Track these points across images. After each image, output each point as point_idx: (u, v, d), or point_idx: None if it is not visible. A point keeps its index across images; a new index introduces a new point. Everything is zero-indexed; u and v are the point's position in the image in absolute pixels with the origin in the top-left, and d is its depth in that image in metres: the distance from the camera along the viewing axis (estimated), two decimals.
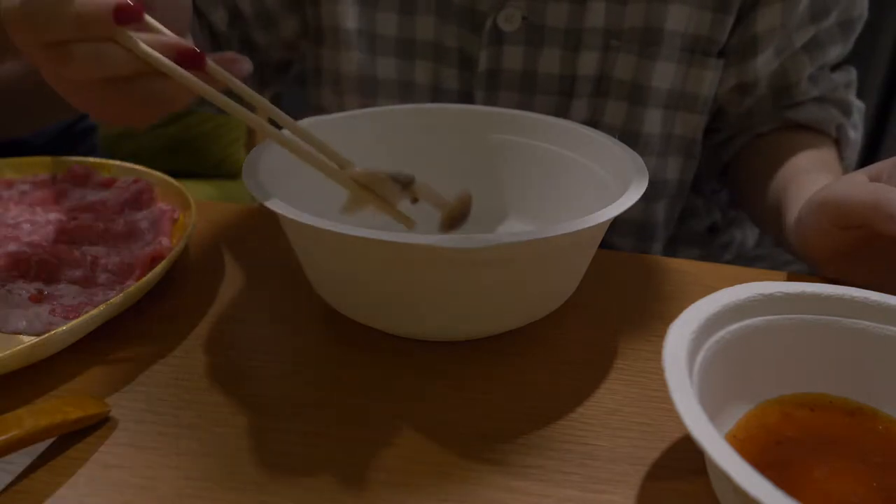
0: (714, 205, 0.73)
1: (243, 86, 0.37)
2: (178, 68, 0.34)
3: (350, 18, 0.61)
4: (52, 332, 0.35)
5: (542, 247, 0.34)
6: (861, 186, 0.40)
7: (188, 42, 0.35)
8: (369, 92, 0.63)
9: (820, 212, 0.43)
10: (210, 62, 0.36)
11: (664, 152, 0.62)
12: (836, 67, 0.64)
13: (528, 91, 0.60)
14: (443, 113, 0.49)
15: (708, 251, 0.72)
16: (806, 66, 0.61)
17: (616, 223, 0.63)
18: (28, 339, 0.37)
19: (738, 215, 0.74)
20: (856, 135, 0.63)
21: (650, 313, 0.43)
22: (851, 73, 0.65)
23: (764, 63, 0.60)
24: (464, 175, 0.50)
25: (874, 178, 0.42)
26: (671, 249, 0.70)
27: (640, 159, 0.41)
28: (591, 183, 0.44)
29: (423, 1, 0.59)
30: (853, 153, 0.64)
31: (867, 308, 0.33)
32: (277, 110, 0.38)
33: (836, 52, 0.61)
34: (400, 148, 0.49)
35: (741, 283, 0.33)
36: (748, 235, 0.74)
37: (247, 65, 0.38)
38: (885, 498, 0.28)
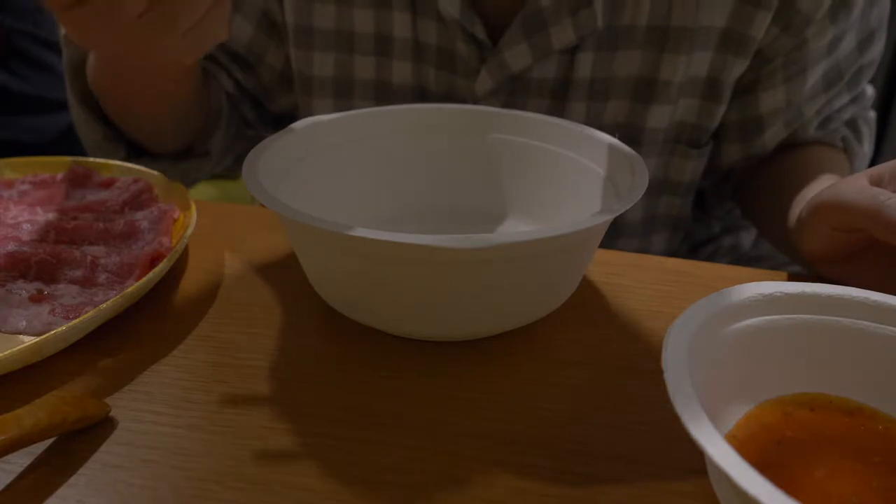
0: (715, 220, 0.72)
1: None
2: None
3: (325, 110, 0.61)
4: (52, 332, 0.35)
5: (542, 247, 0.34)
6: (862, 191, 0.40)
7: None
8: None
9: (819, 214, 0.42)
10: None
11: (648, 232, 0.62)
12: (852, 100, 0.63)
13: None
14: (442, 113, 0.49)
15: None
16: (813, 121, 0.60)
17: None
18: (28, 339, 0.37)
19: (735, 223, 0.73)
20: (861, 148, 0.62)
21: (650, 313, 0.43)
22: (864, 96, 0.63)
23: (772, 136, 0.59)
24: (464, 175, 0.50)
25: (875, 181, 0.41)
26: None
27: (640, 160, 0.40)
28: (591, 183, 0.44)
29: (399, 91, 0.59)
30: (860, 165, 0.63)
31: (867, 308, 0.32)
32: None
33: (842, 101, 0.61)
34: (400, 148, 0.49)
35: (741, 283, 0.32)
36: (742, 239, 0.74)
37: None
38: (885, 498, 0.28)
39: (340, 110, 0.61)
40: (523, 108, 0.57)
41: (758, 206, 0.62)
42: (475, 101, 0.57)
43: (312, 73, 0.60)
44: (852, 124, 0.62)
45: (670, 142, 0.58)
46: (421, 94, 0.60)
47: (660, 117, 0.56)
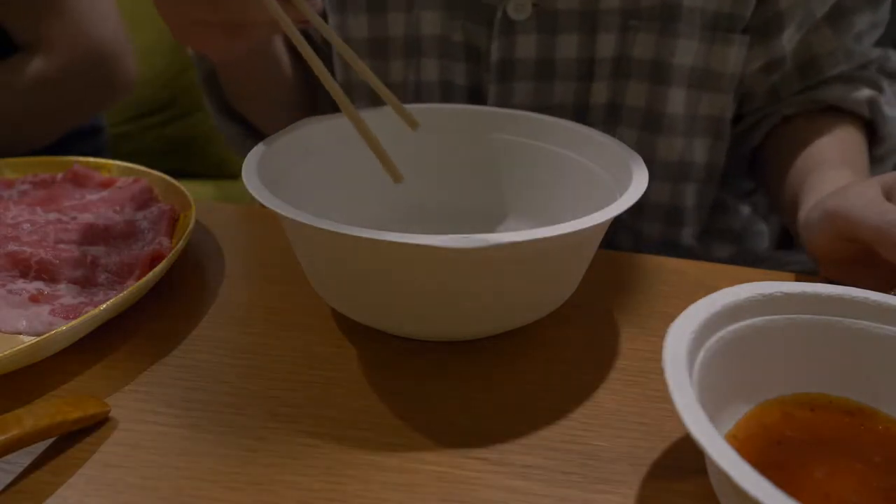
0: (742, 206, 0.71)
1: (320, 19, 0.41)
2: None
3: (359, 28, 0.60)
4: (52, 332, 0.35)
5: (542, 247, 0.34)
6: (871, 206, 0.39)
7: None
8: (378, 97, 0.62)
9: (827, 221, 0.42)
10: None
11: (690, 133, 0.60)
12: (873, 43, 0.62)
13: (545, 79, 0.58)
14: (443, 113, 0.49)
15: (741, 249, 0.70)
16: (829, 38, 0.59)
17: (643, 208, 0.61)
18: (28, 339, 0.37)
19: (754, 226, 0.72)
20: (893, 111, 0.61)
21: (650, 313, 0.43)
22: (891, 59, 0.62)
23: (788, 39, 0.58)
24: (464, 175, 0.50)
25: (886, 192, 0.41)
26: (705, 245, 0.67)
27: (640, 159, 0.41)
28: (591, 183, 0.44)
29: None
30: (892, 130, 0.61)
31: (867, 308, 0.33)
32: (349, 50, 0.43)
33: (864, 20, 0.59)
34: (400, 148, 0.49)
35: (741, 283, 0.33)
36: (764, 240, 0.73)
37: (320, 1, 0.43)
38: (885, 498, 0.28)
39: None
40: None
41: (772, 174, 0.61)
42: None
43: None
44: (879, 88, 0.60)
45: (709, 29, 0.57)
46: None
47: None
